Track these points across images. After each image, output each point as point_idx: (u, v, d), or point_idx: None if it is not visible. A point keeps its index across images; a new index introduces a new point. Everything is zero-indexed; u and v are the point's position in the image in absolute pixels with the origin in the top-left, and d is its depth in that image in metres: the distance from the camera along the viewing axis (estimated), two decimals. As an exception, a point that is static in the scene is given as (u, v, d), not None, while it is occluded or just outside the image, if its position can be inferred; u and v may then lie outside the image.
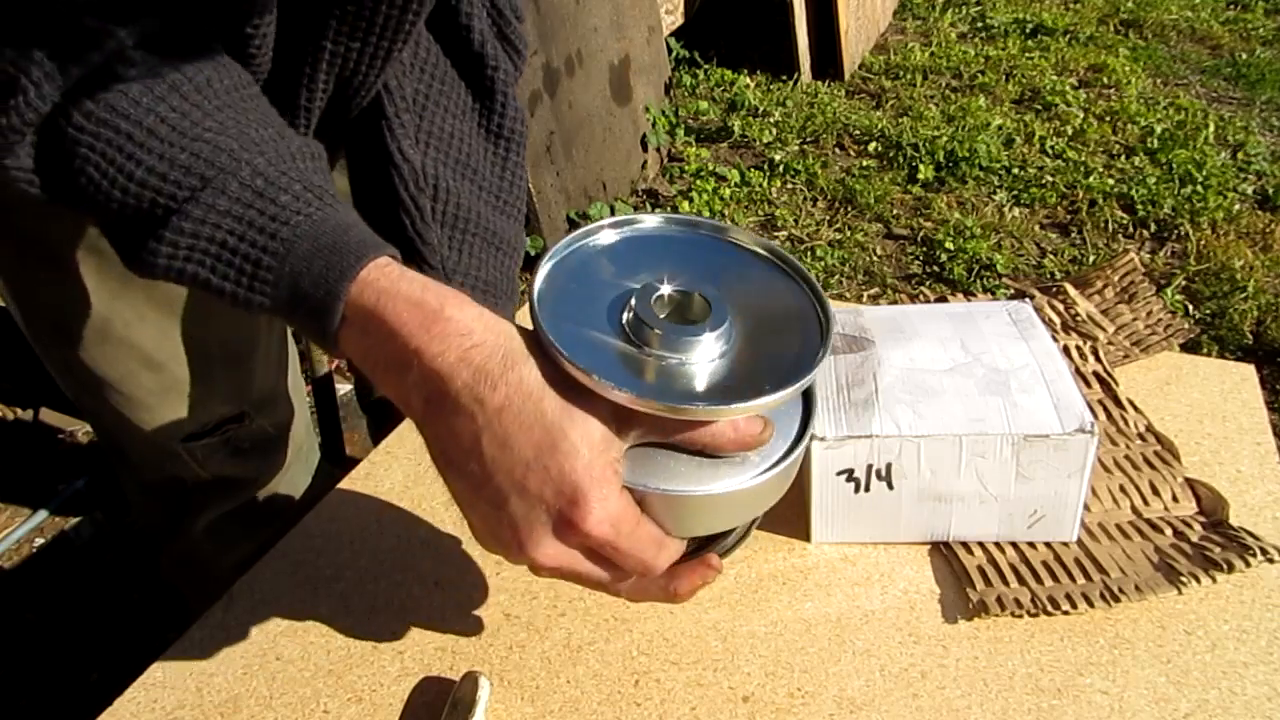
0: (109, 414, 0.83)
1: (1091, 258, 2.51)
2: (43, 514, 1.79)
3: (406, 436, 0.87)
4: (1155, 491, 0.75)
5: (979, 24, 4.24)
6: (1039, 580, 0.68)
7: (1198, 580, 0.67)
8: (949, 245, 2.53)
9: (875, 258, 2.56)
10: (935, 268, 2.50)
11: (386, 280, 0.45)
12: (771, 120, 3.27)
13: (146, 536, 1.00)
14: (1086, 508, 0.71)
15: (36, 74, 0.44)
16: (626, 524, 0.46)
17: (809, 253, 2.54)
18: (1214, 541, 0.70)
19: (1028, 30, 4.13)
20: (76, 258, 0.73)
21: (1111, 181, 2.84)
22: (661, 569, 0.48)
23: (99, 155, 0.45)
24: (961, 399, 0.69)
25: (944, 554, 0.72)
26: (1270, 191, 2.77)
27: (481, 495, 0.45)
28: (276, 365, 0.93)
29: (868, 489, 0.70)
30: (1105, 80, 3.58)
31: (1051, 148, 3.05)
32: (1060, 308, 0.95)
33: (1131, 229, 2.65)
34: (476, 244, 0.65)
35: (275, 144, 0.48)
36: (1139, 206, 2.70)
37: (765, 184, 2.89)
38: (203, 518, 0.92)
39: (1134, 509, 0.74)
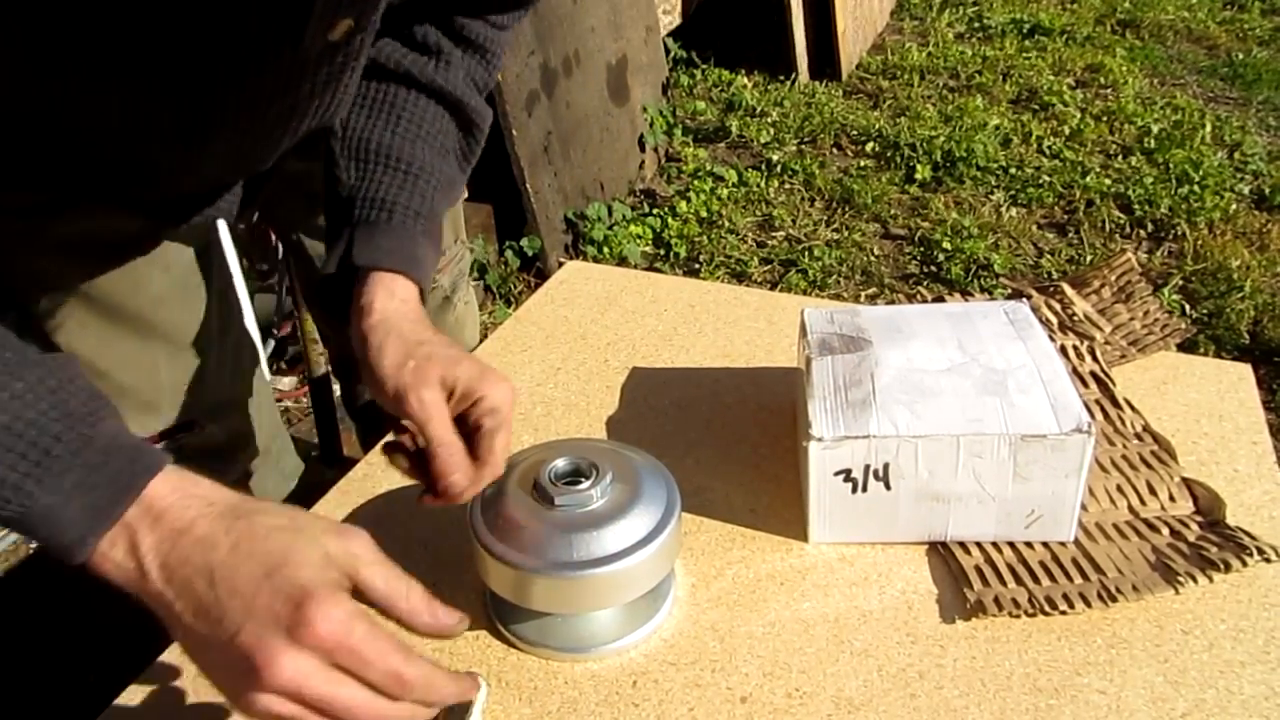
0: None
1: (1088, 257, 2.51)
2: (40, 515, 1.78)
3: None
4: (1152, 491, 0.75)
5: (976, 24, 4.25)
6: (1036, 580, 0.69)
7: (1195, 580, 0.67)
8: (946, 245, 2.53)
9: (873, 257, 2.56)
10: (933, 267, 2.50)
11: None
12: (769, 120, 3.27)
13: None
14: (1084, 507, 0.71)
15: None
16: (360, 626, 0.46)
17: (806, 253, 2.55)
18: (1211, 541, 0.70)
19: (1025, 30, 4.13)
20: (16, 268, 0.75)
21: (1108, 181, 2.84)
22: (417, 679, 0.47)
23: None
24: (959, 399, 0.69)
25: (941, 554, 0.72)
26: (1267, 191, 2.77)
27: (217, 635, 0.46)
28: (231, 375, 0.94)
29: (865, 489, 0.70)
30: (1102, 80, 3.58)
31: (1049, 148, 3.05)
32: (1057, 307, 0.95)
33: (1128, 229, 2.66)
34: (380, 169, 0.70)
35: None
36: (1136, 206, 2.71)
37: (763, 184, 2.89)
38: None
39: (1131, 509, 0.74)
